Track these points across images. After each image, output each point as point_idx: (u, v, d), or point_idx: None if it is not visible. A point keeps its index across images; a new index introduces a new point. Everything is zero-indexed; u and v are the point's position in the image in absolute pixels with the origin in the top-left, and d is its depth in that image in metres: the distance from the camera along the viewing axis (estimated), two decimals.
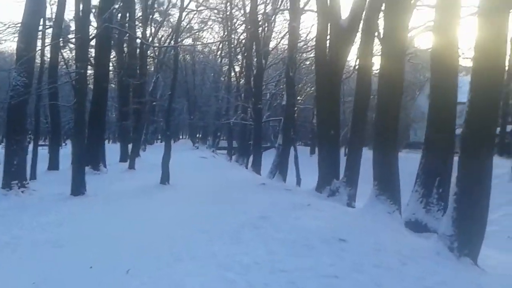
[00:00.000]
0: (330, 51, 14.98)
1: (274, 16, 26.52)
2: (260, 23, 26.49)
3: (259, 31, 26.32)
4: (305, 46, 30.03)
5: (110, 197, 12.45)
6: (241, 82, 37.63)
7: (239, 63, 39.44)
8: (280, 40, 33.59)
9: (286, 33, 34.53)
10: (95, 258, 6.31)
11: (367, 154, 12.32)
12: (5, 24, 20.09)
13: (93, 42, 20.92)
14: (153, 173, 18.35)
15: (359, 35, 15.12)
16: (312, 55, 29.92)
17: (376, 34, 15.16)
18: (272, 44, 32.06)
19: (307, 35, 29.69)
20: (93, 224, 8.71)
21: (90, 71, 30.01)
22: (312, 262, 5.52)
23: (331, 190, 14.09)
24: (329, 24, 14.88)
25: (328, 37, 15.05)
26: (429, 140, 9.36)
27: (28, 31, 13.28)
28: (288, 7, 21.42)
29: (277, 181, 17.95)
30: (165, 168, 14.95)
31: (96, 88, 19.99)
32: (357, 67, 27.75)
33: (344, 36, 14.76)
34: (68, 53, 30.14)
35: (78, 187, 12.81)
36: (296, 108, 26.60)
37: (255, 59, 27.10)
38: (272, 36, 29.97)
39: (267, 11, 27.54)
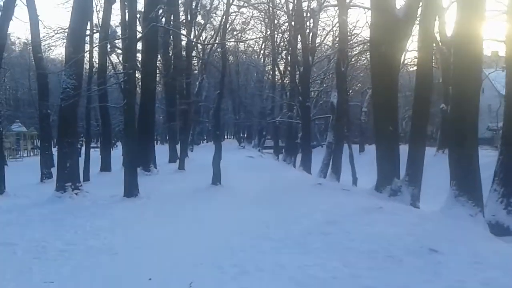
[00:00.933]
0: (386, 44, 13.90)
1: (319, 11, 25.43)
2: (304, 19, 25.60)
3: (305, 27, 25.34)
4: (350, 42, 28.81)
5: (163, 199, 11.95)
6: (285, 80, 36.78)
7: (283, 61, 38.57)
8: (325, 37, 32.44)
9: (331, 29, 33.59)
10: (153, 269, 5.69)
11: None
12: (54, 30, 20.40)
13: (139, 46, 20.97)
14: (203, 174, 17.85)
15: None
16: (358, 50, 28.76)
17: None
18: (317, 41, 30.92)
19: (352, 30, 28.39)
20: (147, 229, 8.14)
21: (137, 75, 30.52)
22: (403, 278, 4.62)
23: (392, 189, 13.03)
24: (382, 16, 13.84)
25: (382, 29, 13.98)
26: (507, 135, 8.23)
27: (76, 35, 13.03)
28: (335, 2, 20.42)
29: (330, 180, 16.99)
30: (216, 168, 14.34)
31: (143, 90, 19.81)
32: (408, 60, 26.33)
33: (400, 27, 13.71)
34: (115, 58, 30.44)
35: (131, 189, 12.42)
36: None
37: (301, 57, 26.20)
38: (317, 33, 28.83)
39: (311, 7, 26.52)
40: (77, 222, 8.98)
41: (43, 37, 19.26)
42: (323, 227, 6.92)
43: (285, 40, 35.13)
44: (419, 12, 13.95)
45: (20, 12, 38.95)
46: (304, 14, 25.55)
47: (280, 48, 36.59)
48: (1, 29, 20.14)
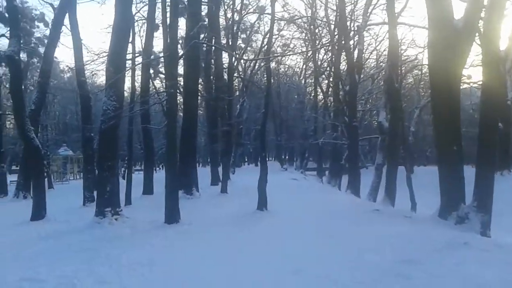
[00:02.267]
0: (445, 56, 12.55)
1: (365, 28, 24.25)
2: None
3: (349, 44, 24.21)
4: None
5: (206, 226, 10.92)
6: (328, 100, 35.54)
7: (326, 81, 37.44)
8: (370, 54, 31.13)
9: (375, 48, 32.31)
10: None
11: None
12: (97, 54, 20.29)
13: (181, 68, 20.55)
14: (246, 197, 16.81)
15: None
16: (404, 68, 27.22)
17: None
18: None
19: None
20: (188, 265, 7.07)
21: (179, 97, 30.26)
22: None
23: (459, 216, 11.44)
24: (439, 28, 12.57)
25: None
26: None
27: (116, 57, 12.50)
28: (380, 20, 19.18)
29: (384, 205, 15.46)
30: (262, 192, 13.21)
31: (185, 110, 19.15)
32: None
33: (460, 38, 12.35)
34: (158, 83, 30.33)
35: (172, 215, 11.49)
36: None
37: (344, 75, 25.00)
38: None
39: (357, 24, 25.42)
40: (113, 253, 8.06)
41: (87, 61, 19.09)
42: (399, 268, 5.62)
43: (328, 59, 34.11)
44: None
45: (67, 38, 39.72)
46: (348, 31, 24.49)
47: (322, 68, 35.48)
48: (48, 54, 20.32)
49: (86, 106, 18.28)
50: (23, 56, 34.45)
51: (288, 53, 32.58)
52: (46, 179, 28.89)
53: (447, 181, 12.18)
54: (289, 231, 9.53)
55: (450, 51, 12.35)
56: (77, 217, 13.67)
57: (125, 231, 10.99)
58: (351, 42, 25.18)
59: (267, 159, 54.33)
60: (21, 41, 31.79)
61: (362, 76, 31.79)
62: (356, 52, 23.98)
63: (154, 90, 22.06)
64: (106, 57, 14.96)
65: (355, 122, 22.66)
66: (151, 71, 28.24)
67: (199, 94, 26.12)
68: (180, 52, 16.15)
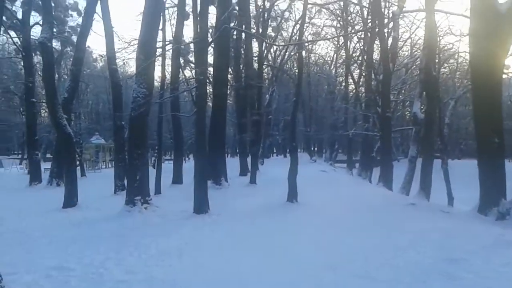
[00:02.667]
0: (487, 45, 11.85)
1: (399, 15, 23.34)
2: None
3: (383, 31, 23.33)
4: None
5: (235, 217, 10.72)
6: (360, 90, 34.70)
7: (357, 70, 36.53)
8: (404, 43, 30.09)
9: (409, 36, 31.20)
10: None
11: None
12: (128, 42, 20.30)
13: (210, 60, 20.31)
14: (276, 189, 16.52)
15: None
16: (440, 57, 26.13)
17: None
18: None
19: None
20: (217, 256, 6.87)
21: (209, 87, 30.10)
22: None
23: (500, 212, 10.86)
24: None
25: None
26: None
27: (146, 44, 12.37)
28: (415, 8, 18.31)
29: (419, 199, 14.85)
30: (292, 184, 12.89)
31: (215, 98, 18.93)
32: None
33: (503, 24, 11.64)
34: (188, 73, 30.25)
35: (201, 205, 11.34)
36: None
37: (378, 64, 24.21)
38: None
39: (391, 10, 24.49)
40: (142, 242, 7.96)
41: (118, 49, 19.11)
42: (443, 266, 5.22)
43: (360, 48, 33.22)
44: None
45: (99, 27, 40.03)
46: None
47: (354, 57, 34.59)
48: (80, 43, 20.50)
49: (117, 94, 18.31)
50: (56, 44, 35.17)
51: (321, 38, 31.70)
52: (78, 167, 29.51)
53: (487, 175, 11.57)
54: (321, 224, 9.19)
55: (493, 39, 11.66)
56: (108, 205, 13.70)
57: (154, 220, 10.93)
58: (385, 29, 24.30)
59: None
60: (54, 29, 32.37)
61: (395, 65, 30.91)
62: (390, 39, 23.14)
63: (184, 78, 21.87)
64: (137, 45, 14.85)
65: (388, 113, 21.94)
66: (181, 60, 28.25)
67: (229, 83, 25.92)
68: (210, 39, 15.86)
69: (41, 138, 28.53)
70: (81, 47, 20.38)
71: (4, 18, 27.80)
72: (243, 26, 24.84)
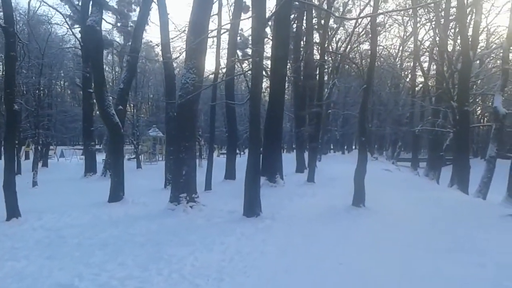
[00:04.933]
0: None
1: None
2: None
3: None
4: None
5: (291, 223, 8.94)
6: (430, 83, 31.54)
7: (426, 62, 33.35)
8: (483, 29, 26.65)
9: (488, 24, 27.68)
10: None
11: None
12: (183, 31, 19.03)
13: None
14: (336, 189, 14.61)
15: None
16: None
17: None
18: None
19: None
20: (268, 275, 5.16)
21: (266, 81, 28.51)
22: None
23: None
24: None
25: None
26: None
27: (197, 26, 10.92)
28: None
29: (507, 205, 12.32)
30: (359, 185, 10.87)
31: (272, 93, 17.20)
32: None
33: None
34: (246, 67, 28.81)
35: (252, 207, 9.70)
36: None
37: (454, 54, 21.34)
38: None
39: None
40: (178, 255, 6.43)
41: (173, 38, 17.92)
42: None
43: (430, 38, 30.09)
44: None
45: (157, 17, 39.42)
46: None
47: (423, 47, 31.45)
48: (137, 32, 19.57)
49: (170, 83, 17.10)
50: (119, 38, 35.11)
51: (399, 9, 28.58)
52: (135, 159, 29.07)
53: None
54: (401, 241, 7.17)
55: None
56: (155, 200, 12.55)
57: (198, 222, 9.46)
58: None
59: (353, 147, 50.49)
60: (118, 23, 32.02)
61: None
62: (471, 25, 20.17)
63: (241, 69, 20.39)
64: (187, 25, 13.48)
65: (466, 107, 19.11)
66: (239, 52, 26.87)
67: (287, 76, 24.12)
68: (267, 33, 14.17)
69: (99, 129, 28.24)
70: (138, 37, 19.46)
71: (68, 11, 27.93)
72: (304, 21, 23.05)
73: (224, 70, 18.75)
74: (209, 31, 11.71)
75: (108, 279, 5.26)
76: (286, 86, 30.70)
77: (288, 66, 22.97)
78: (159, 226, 8.97)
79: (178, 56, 16.74)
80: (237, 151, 31.95)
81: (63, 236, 8.26)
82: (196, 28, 10.94)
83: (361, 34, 30.11)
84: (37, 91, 24.72)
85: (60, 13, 26.58)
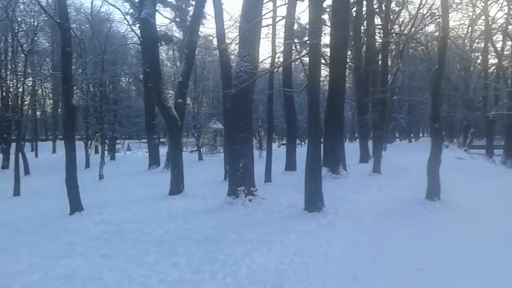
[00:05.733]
0: None
1: None
2: None
3: None
4: None
5: (357, 219, 8.13)
6: (505, 64, 28.75)
7: (499, 42, 30.40)
8: None
9: None
10: None
11: None
12: (235, 19, 18.55)
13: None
14: (405, 180, 13.46)
15: None
16: None
17: None
18: None
19: None
20: (335, 281, 4.45)
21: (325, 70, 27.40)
22: None
23: None
24: None
25: None
26: None
27: (250, 11, 10.32)
28: None
29: None
30: (434, 176, 9.73)
31: (332, 80, 16.23)
32: None
33: None
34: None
35: (313, 201, 8.98)
36: None
37: None
38: None
39: None
40: (234, 255, 5.92)
41: (227, 26, 17.50)
42: None
43: (504, 16, 27.33)
44: None
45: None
46: None
47: (496, 25, 28.65)
48: (193, 25, 19.36)
49: (226, 74, 16.69)
50: (179, 33, 35.50)
51: None
52: (196, 152, 29.30)
53: None
54: (485, 237, 6.13)
55: None
56: (214, 193, 12.24)
57: (257, 216, 8.92)
58: None
59: (420, 135, 47.52)
60: (177, 19, 32.26)
61: None
62: None
63: (294, 44, 19.49)
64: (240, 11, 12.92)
65: None
66: (296, 41, 25.95)
67: (347, 62, 22.88)
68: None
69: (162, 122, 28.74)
70: (194, 29, 19.20)
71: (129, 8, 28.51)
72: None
73: (281, 59, 18.08)
74: (262, 16, 11.03)
75: (158, 283, 4.84)
76: (347, 74, 29.35)
77: (348, 53, 21.82)
78: (216, 222, 8.55)
79: (230, 43, 16.06)
80: (298, 141, 31.20)
81: (122, 231, 8.10)
82: (248, 14, 10.34)
83: (425, 16, 28.02)
84: (100, 87, 25.43)
85: (120, 10, 27.16)
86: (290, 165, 18.44)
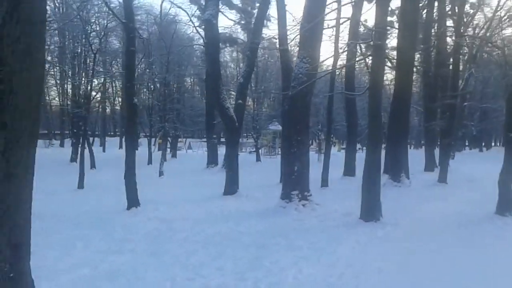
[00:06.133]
0: None
1: None
2: None
3: None
4: None
5: (418, 233, 7.53)
6: None
7: None
8: None
9: None
10: None
11: None
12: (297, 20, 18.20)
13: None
14: (474, 192, 12.45)
15: None
16: None
17: None
18: None
19: None
20: None
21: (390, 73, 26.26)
22: None
23: None
24: None
25: None
26: None
27: (311, 11, 10.00)
28: None
29: None
30: (506, 189, 8.79)
31: (398, 83, 15.39)
32: None
33: None
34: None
35: (370, 210, 8.48)
36: None
37: None
38: None
39: None
40: (280, 263, 5.65)
41: (290, 29, 17.18)
42: None
43: None
44: None
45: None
46: None
47: None
48: (257, 27, 19.34)
49: (287, 76, 16.41)
50: (243, 36, 35.78)
51: None
52: (255, 153, 29.31)
53: None
54: None
55: None
56: (268, 195, 12.07)
57: (310, 222, 8.59)
58: None
59: (492, 144, 44.21)
60: (242, 21, 32.53)
61: None
62: None
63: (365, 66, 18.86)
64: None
65: None
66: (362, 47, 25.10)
67: (415, 66, 21.68)
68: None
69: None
70: (257, 31, 19.21)
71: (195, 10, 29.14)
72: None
73: (343, 62, 17.53)
74: (325, 15, 10.66)
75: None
76: (414, 77, 27.94)
77: (417, 57, 20.68)
78: (267, 225, 8.33)
79: (290, 42, 15.74)
80: (359, 146, 30.17)
81: (173, 229, 8.12)
82: (310, 14, 10.04)
83: (503, 19, 25.94)
84: (164, 87, 26.21)
85: (187, 12, 27.84)
86: (349, 170, 17.84)
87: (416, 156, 21.14)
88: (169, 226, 8.44)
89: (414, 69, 20.60)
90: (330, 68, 15.58)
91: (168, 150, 28.66)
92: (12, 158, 2.83)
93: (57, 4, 28.22)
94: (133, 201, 10.41)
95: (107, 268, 5.50)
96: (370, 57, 11.08)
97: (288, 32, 16.82)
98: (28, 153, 2.94)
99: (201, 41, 31.76)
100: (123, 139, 40.17)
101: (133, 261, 5.85)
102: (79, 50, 24.35)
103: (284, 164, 10.63)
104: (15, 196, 2.88)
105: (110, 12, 14.40)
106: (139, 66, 29.81)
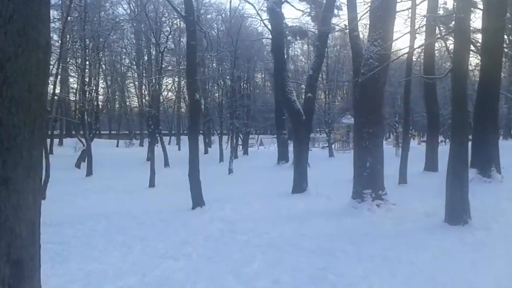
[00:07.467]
0: None
1: None
2: None
3: None
4: None
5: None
6: None
7: None
8: None
9: None
10: None
11: None
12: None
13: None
14: None
15: None
16: None
17: None
18: None
19: None
20: None
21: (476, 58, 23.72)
22: None
23: None
24: None
25: None
26: None
27: None
28: None
29: None
30: None
31: (484, 67, 13.57)
32: None
33: None
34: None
35: (456, 211, 7.25)
36: None
37: None
38: None
39: None
40: (351, 272, 4.84)
41: (360, 12, 16.01)
42: None
43: None
44: None
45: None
46: None
47: None
48: (326, 15, 18.34)
49: (358, 63, 15.29)
50: (314, 28, 34.70)
51: None
52: (327, 148, 28.25)
53: None
54: None
55: None
56: (340, 193, 11.10)
57: (384, 225, 7.61)
58: None
59: None
60: (308, 10, 31.40)
61: None
62: None
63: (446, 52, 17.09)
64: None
65: None
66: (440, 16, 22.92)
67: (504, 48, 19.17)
68: None
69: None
70: (326, 19, 18.14)
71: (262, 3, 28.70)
72: None
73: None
74: None
75: None
76: (503, 62, 25.04)
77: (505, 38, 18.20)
78: (335, 228, 7.50)
79: (356, 22, 14.62)
80: (441, 138, 27.77)
81: (235, 231, 7.63)
82: None
83: None
84: (232, 83, 26.01)
85: (254, 6, 27.48)
86: (431, 165, 16.21)
87: (507, 148, 18.75)
88: (232, 227, 7.96)
89: (503, 52, 18.25)
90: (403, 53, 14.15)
91: (240, 147, 28.56)
92: (9, 159, 2.37)
93: (132, 8, 29.31)
94: (197, 200, 10.12)
95: (157, 276, 5.07)
96: (451, 39, 9.68)
97: (358, 16, 15.70)
98: (29, 153, 2.47)
99: (269, 34, 31.43)
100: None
101: (187, 268, 5.39)
102: (153, 51, 24.97)
103: (355, 160, 9.68)
104: (14, 204, 2.42)
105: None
106: (209, 65, 30.12)
